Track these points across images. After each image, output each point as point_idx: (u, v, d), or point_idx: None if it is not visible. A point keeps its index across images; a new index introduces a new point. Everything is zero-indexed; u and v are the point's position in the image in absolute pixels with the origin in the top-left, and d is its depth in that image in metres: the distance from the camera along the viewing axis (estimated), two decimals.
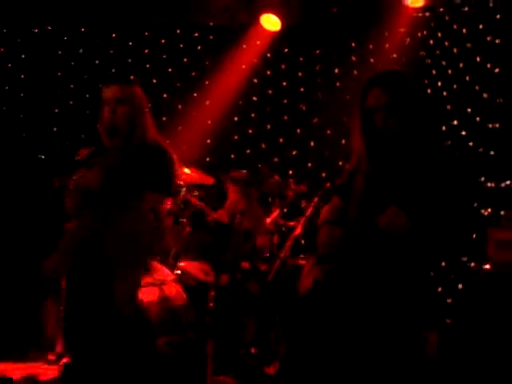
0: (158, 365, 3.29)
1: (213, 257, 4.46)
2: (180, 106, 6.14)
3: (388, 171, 2.52)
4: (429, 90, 5.06)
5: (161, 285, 4.04)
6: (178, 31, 6.17)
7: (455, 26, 5.03)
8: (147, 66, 6.13)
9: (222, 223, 4.44)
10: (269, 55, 6.08)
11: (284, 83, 6.07)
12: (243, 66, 6.07)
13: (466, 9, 4.91)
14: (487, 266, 3.43)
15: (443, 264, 4.60)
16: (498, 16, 4.54)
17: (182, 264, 4.48)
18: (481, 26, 4.72)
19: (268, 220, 4.59)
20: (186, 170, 4.49)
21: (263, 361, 4.25)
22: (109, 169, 2.81)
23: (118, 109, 2.86)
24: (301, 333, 2.65)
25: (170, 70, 6.17)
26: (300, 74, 6.03)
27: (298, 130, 5.94)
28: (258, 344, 4.36)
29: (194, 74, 6.21)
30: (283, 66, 6.07)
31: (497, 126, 4.43)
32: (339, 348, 2.46)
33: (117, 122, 2.86)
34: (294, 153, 5.90)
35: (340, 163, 5.24)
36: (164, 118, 5.80)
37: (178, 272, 4.40)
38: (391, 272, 2.42)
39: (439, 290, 4.65)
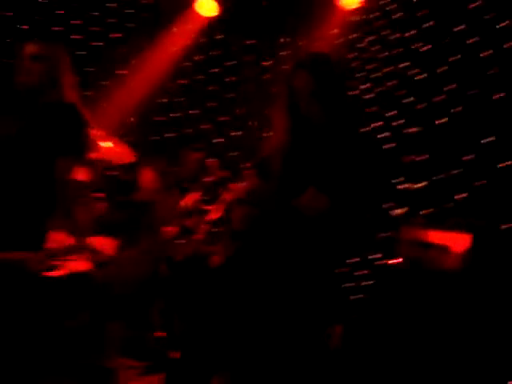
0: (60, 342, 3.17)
1: (124, 234, 4.35)
2: (105, 83, 5.97)
3: (308, 153, 2.53)
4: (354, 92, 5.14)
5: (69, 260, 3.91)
6: (109, 5, 6.00)
7: (386, 32, 5.14)
8: (76, 37, 5.92)
9: (137, 201, 4.35)
10: (201, 40, 6.02)
11: (214, 70, 6.03)
12: (175, 48, 5.98)
13: (398, 15, 5.03)
14: (397, 262, 3.51)
15: (356, 260, 4.69)
16: (427, 24, 4.66)
17: (92, 240, 4.34)
18: (410, 33, 4.83)
19: (186, 202, 4.53)
20: (108, 144, 4.35)
21: (168, 345, 4.19)
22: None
23: (34, 66, 2.75)
24: (207, 307, 2.63)
25: (97, 44, 5.99)
26: (231, 62, 6.01)
27: (224, 118, 5.92)
28: (162, 328, 4.29)
29: (122, 51, 6.06)
30: (214, 53, 6.02)
31: (415, 130, 4.55)
32: (241, 321, 2.46)
33: (31, 80, 2.74)
34: (219, 140, 5.87)
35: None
36: (88, 93, 5.62)
37: (89, 248, 4.27)
38: (304, 255, 2.44)
39: (350, 285, 4.72)
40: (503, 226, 3.46)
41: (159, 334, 4.27)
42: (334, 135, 2.50)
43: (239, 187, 2.88)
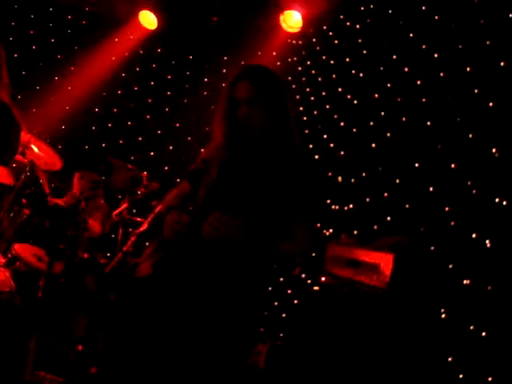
0: None
1: (49, 243, 4.21)
2: (38, 87, 5.83)
3: (244, 164, 2.52)
4: (290, 114, 5.21)
5: None
6: (51, 9, 5.89)
7: (324, 57, 5.25)
8: (10, 39, 5.78)
9: (63, 208, 4.22)
10: (141, 52, 5.98)
11: (152, 83, 5.99)
12: (113, 58, 5.92)
13: (336, 42, 5.16)
14: (323, 279, 3.54)
15: (281, 279, 4.72)
16: (365, 52, 4.80)
17: (15, 247, 4.19)
18: (347, 60, 4.96)
19: (114, 213, 4.44)
20: (35, 148, 4.23)
21: (89, 360, 4.06)
22: None
23: None
24: (131, 316, 2.55)
25: (33, 47, 5.86)
26: (169, 76, 5.99)
27: (159, 132, 5.87)
28: (85, 342, 4.16)
29: (59, 56, 5.95)
30: (154, 66, 5.99)
31: (342, 153, 4.65)
32: (166, 335, 2.40)
33: None
34: (151, 153, 5.81)
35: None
36: (19, 96, 5.47)
37: (9, 255, 4.11)
38: (225, 275, 2.41)
39: (275, 304, 4.74)
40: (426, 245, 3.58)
41: (81, 348, 4.13)
42: (272, 148, 2.48)
43: (170, 194, 2.82)
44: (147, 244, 3.82)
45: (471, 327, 3.35)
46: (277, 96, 2.47)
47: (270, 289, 4.49)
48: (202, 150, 2.69)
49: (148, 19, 5.80)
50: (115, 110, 5.97)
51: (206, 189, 2.55)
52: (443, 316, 3.45)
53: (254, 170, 2.48)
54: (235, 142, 2.53)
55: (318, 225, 4.57)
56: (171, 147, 5.79)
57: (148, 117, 5.94)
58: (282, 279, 4.72)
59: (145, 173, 4.60)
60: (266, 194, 2.34)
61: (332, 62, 5.17)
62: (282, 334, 4.42)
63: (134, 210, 4.87)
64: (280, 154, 2.45)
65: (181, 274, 2.45)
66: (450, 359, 3.38)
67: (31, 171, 4.16)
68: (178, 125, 5.86)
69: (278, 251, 2.40)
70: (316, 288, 3.69)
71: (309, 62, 5.39)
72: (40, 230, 4.28)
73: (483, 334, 3.29)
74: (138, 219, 4.45)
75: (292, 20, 5.41)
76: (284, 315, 4.67)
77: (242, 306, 2.41)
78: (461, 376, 3.33)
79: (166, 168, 5.67)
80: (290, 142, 2.49)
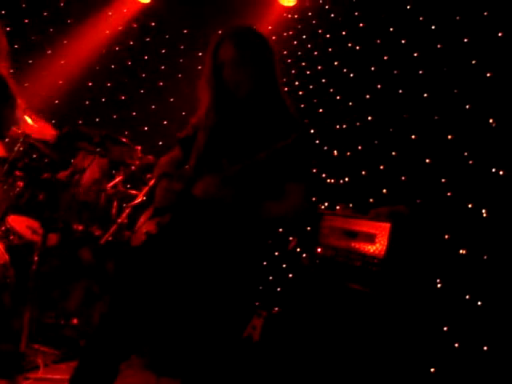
0: None
1: (43, 215, 4.18)
2: (31, 61, 5.77)
3: (232, 126, 2.48)
4: (286, 88, 5.17)
5: None
6: None
7: (320, 31, 5.21)
8: (2, 12, 5.71)
9: (58, 180, 4.19)
10: (134, 25, 5.93)
11: (145, 57, 5.94)
12: (106, 32, 5.87)
13: (333, 15, 5.12)
14: (319, 250, 3.54)
15: (276, 253, 4.73)
16: (361, 24, 4.76)
17: (8, 219, 4.16)
18: (343, 33, 4.92)
19: (109, 185, 4.42)
20: (28, 119, 4.19)
21: (83, 333, 4.05)
22: None
23: None
24: (126, 285, 2.53)
25: (26, 20, 5.79)
26: (163, 50, 5.94)
27: (153, 106, 5.83)
28: (80, 315, 4.15)
29: (52, 29, 5.88)
30: (147, 39, 5.94)
31: (344, 127, 4.63)
32: (161, 304, 2.38)
33: None
34: (145, 128, 5.77)
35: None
36: (11, 70, 5.40)
37: (3, 228, 4.08)
38: (217, 241, 2.38)
39: (270, 278, 4.75)
40: (423, 215, 3.58)
41: (76, 321, 4.12)
42: (259, 110, 2.43)
43: (162, 161, 2.79)
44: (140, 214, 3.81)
45: (467, 296, 3.37)
46: (262, 56, 2.41)
47: (264, 263, 4.50)
48: (193, 117, 2.67)
49: None
50: (109, 84, 5.92)
51: (196, 154, 2.53)
52: (439, 285, 3.46)
53: (242, 132, 2.45)
54: (222, 105, 2.49)
55: (314, 198, 4.57)
56: (165, 122, 5.76)
57: (142, 91, 5.90)
58: (277, 253, 4.73)
59: (139, 146, 4.58)
60: (255, 154, 2.28)
61: (328, 35, 5.13)
62: (277, 308, 4.43)
63: (129, 185, 4.85)
64: (268, 115, 2.41)
65: (174, 241, 2.43)
66: (445, 328, 3.39)
67: (24, 143, 4.12)
68: (172, 99, 5.82)
69: (268, 211, 2.37)
70: (311, 261, 3.68)
71: (304, 36, 5.35)
72: (34, 202, 4.26)
73: (479, 303, 3.31)
74: (133, 192, 4.42)
75: None
76: (279, 289, 4.68)
77: (235, 274, 2.39)
78: (456, 345, 3.35)
79: (161, 143, 5.64)
80: (278, 103, 2.45)
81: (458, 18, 4.03)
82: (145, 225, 2.60)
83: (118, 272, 4.02)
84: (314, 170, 4.58)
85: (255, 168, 2.29)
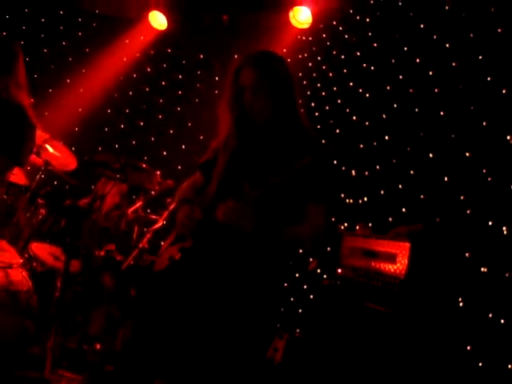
0: None
1: (65, 242, 4.23)
2: (51, 90, 5.88)
3: (252, 151, 2.51)
4: (302, 110, 5.20)
5: (7, 268, 3.77)
6: (61, 12, 5.95)
7: (334, 52, 5.25)
8: (22, 42, 5.82)
9: (79, 207, 4.24)
10: (152, 52, 6.02)
11: (163, 83, 6.02)
12: (124, 59, 5.97)
13: (346, 36, 5.16)
14: (339, 271, 3.53)
15: (296, 275, 4.72)
16: (375, 44, 4.79)
17: (31, 247, 4.22)
18: (358, 53, 4.96)
19: (129, 210, 4.47)
20: (49, 148, 4.26)
21: (106, 358, 4.07)
22: None
23: None
24: (150, 310, 2.55)
25: (45, 50, 5.92)
26: (180, 76, 6.02)
27: (171, 131, 5.89)
28: (103, 340, 4.17)
29: (70, 59, 6.00)
30: (164, 66, 6.02)
31: (361, 147, 4.64)
32: (184, 328, 2.39)
33: None
34: (164, 153, 5.83)
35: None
36: (31, 100, 5.51)
37: (26, 256, 4.14)
38: (239, 265, 2.40)
39: (291, 300, 4.74)
40: (442, 232, 3.57)
41: (99, 346, 4.14)
42: (279, 134, 2.48)
43: (183, 187, 2.82)
44: (163, 242, 3.84)
45: (490, 315, 3.33)
46: (282, 82, 2.45)
47: (285, 285, 4.50)
48: (213, 141, 2.70)
49: (158, 20, 5.85)
50: (127, 110, 6.01)
51: (217, 178, 2.55)
52: (461, 304, 3.43)
53: (262, 156, 2.48)
54: (243, 129, 2.53)
55: (333, 219, 4.58)
56: (184, 146, 5.82)
57: (160, 117, 5.97)
58: (297, 275, 4.73)
59: (158, 171, 4.63)
60: (276, 180, 2.31)
61: (342, 56, 5.16)
62: (298, 330, 4.41)
63: (149, 210, 4.90)
64: (288, 139, 2.45)
65: (197, 265, 2.45)
66: (468, 348, 3.36)
67: (46, 171, 4.19)
68: (190, 124, 5.88)
69: (290, 235, 2.39)
70: (332, 281, 3.68)
71: (319, 58, 5.39)
72: (56, 229, 4.32)
73: (502, 321, 3.27)
74: (153, 216, 4.47)
75: (301, 16, 5.42)
76: (300, 311, 4.67)
77: (256, 298, 2.41)
78: (480, 364, 3.31)
79: (180, 167, 5.69)
80: (297, 126, 2.48)
81: (471, 35, 4.04)
82: (167, 250, 2.63)
83: (141, 297, 4.04)
84: (335, 190, 4.60)
85: (275, 191, 2.32)
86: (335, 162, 4.70)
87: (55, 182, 4.67)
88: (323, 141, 4.90)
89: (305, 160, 2.25)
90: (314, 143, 2.48)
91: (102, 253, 4.26)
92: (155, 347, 2.38)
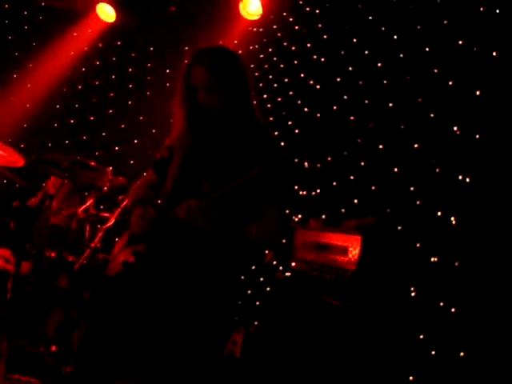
0: None
1: (15, 243, 4.13)
2: None
3: (207, 148, 2.49)
4: (254, 102, 5.18)
5: None
6: (6, 6, 5.78)
7: (285, 43, 5.24)
8: None
9: (28, 208, 4.15)
10: (100, 45, 5.91)
11: (113, 76, 5.92)
12: (72, 53, 5.84)
13: (297, 27, 5.15)
14: (293, 264, 3.55)
15: (253, 267, 4.73)
16: (325, 36, 4.80)
17: None
18: (308, 45, 4.95)
19: (80, 209, 4.38)
20: None
21: (63, 360, 4.01)
22: None
23: None
24: (102, 315, 2.52)
25: None
26: (130, 69, 5.92)
27: (123, 126, 5.81)
28: (59, 342, 4.11)
29: (16, 54, 5.84)
30: (114, 59, 5.92)
31: (312, 138, 4.65)
32: (141, 329, 2.38)
33: None
34: (116, 148, 5.74)
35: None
36: None
37: None
38: (198, 262, 2.39)
39: (248, 292, 4.75)
40: (392, 224, 3.62)
41: (55, 347, 4.08)
42: (235, 132, 2.45)
43: (136, 186, 2.78)
44: (116, 240, 3.79)
45: (441, 303, 3.40)
46: (235, 78, 2.42)
47: (242, 277, 4.50)
48: (166, 139, 2.67)
49: (106, 12, 5.72)
50: (77, 105, 5.89)
51: (172, 177, 2.53)
52: (413, 294, 3.49)
53: (217, 153, 2.46)
54: (197, 126, 2.50)
55: (287, 211, 4.59)
56: (136, 141, 5.74)
57: (111, 111, 5.87)
58: (253, 267, 4.73)
59: (110, 168, 4.55)
60: (231, 177, 2.30)
61: (293, 47, 5.16)
62: (256, 323, 4.43)
63: (102, 206, 4.82)
64: (243, 135, 2.43)
65: (152, 267, 2.43)
66: (421, 336, 3.42)
67: None
68: (142, 118, 5.81)
69: (247, 234, 2.39)
70: (286, 274, 3.69)
71: (270, 49, 5.37)
72: (5, 230, 4.22)
73: (453, 309, 3.34)
74: (105, 214, 4.39)
75: (251, 7, 5.38)
76: (257, 303, 4.68)
77: (214, 293, 2.40)
78: (433, 352, 3.38)
79: (132, 162, 5.62)
80: (253, 125, 2.46)
81: (418, 27, 4.08)
82: (120, 253, 2.59)
83: (96, 302, 3.99)
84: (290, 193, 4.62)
85: (236, 192, 2.30)
86: (287, 153, 4.70)
87: (4, 181, 4.55)
88: (276, 132, 4.94)
89: (263, 162, 2.25)
90: (272, 144, 2.47)
91: (53, 253, 4.18)
92: (113, 350, 2.36)
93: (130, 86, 5.90)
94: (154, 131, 5.60)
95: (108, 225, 4.08)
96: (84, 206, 4.40)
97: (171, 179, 2.52)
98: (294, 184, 4.57)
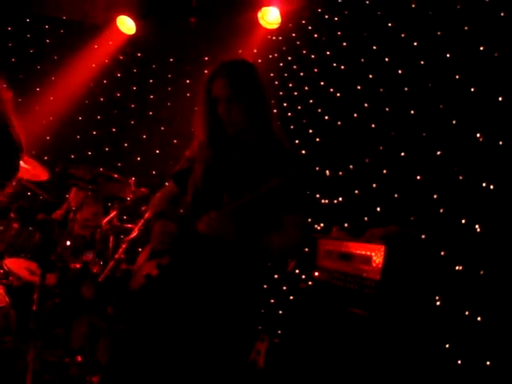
0: None
1: (40, 255, 4.19)
2: (20, 99, 5.79)
3: (228, 161, 2.51)
4: (275, 110, 5.18)
5: None
6: (28, 20, 5.87)
7: (304, 52, 5.25)
8: None
9: (53, 220, 4.20)
10: (121, 57, 5.97)
11: (134, 87, 5.98)
12: (93, 65, 5.91)
13: (316, 35, 5.15)
14: (316, 274, 3.54)
15: (275, 276, 4.73)
16: (345, 44, 4.79)
17: (6, 262, 4.17)
18: (328, 53, 4.95)
19: (104, 221, 4.43)
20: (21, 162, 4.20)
21: (88, 370, 4.04)
22: None
23: None
24: (127, 329, 2.54)
25: (13, 59, 5.83)
26: (151, 80, 5.98)
27: (144, 136, 5.85)
28: (84, 352, 4.14)
29: (39, 67, 5.93)
30: (135, 70, 5.98)
31: (334, 146, 4.64)
32: (166, 345, 2.39)
33: None
34: (138, 158, 5.79)
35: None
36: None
37: (1, 271, 4.09)
38: (221, 274, 2.40)
39: (271, 301, 4.75)
40: (416, 233, 3.59)
41: (80, 358, 4.11)
42: (254, 144, 2.48)
43: (156, 198, 2.80)
44: (140, 251, 3.82)
45: (466, 312, 3.36)
46: (255, 90, 2.43)
47: (265, 286, 4.51)
48: (186, 150, 2.69)
49: (126, 24, 5.80)
50: (99, 117, 5.95)
51: (192, 189, 2.54)
52: (438, 303, 3.45)
53: (238, 166, 2.48)
54: (218, 139, 2.52)
55: (309, 219, 4.58)
56: (158, 151, 5.78)
57: (132, 122, 5.93)
58: (276, 276, 4.73)
59: (132, 179, 4.59)
60: (251, 189, 2.31)
61: (313, 56, 5.16)
62: (280, 332, 4.43)
63: (125, 217, 4.86)
64: (263, 148, 2.44)
65: (176, 280, 2.44)
66: (447, 346, 3.39)
67: (17, 185, 4.14)
68: (163, 128, 5.85)
69: (268, 244, 2.39)
70: (309, 283, 3.69)
71: (290, 58, 5.38)
72: (30, 243, 4.27)
73: (478, 318, 3.30)
74: (129, 226, 4.43)
75: (270, 16, 5.42)
76: (281, 312, 4.68)
77: (237, 304, 2.41)
78: (459, 362, 3.34)
79: (154, 173, 5.66)
80: (271, 136, 2.47)
81: (439, 33, 4.05)
82: (143, 267, 2.61)
83: (119, 316, 4.02)
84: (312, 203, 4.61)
85: (255, 203, 2.31)
86: (309, 161, 4.71)
87: (27, 196, 4.61)
88: (297, 141, 4.95)
89: (284, 175, 2.26)
90: (291, 156, 2.47)
91: (78, 265, 4.22)
92: (139, 363, 2.38)
93: (151, 96, 5.95)
94: (175, 141, 5.64)
95: (131, 236, 4.12)
96: (108, 218, 4.44)
97: (192, 191, 2.54)
98: (314, 193, 4.57)
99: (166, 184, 2.82)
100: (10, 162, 2.67)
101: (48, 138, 5.76)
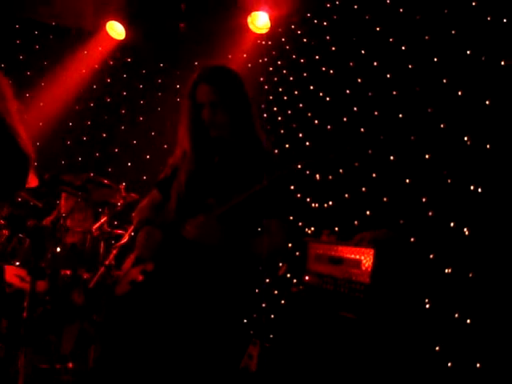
0: None
1: (31, 262, 4.17)
2: None
3: (212, 167, 2.52)
4: (265, 115, 5.21)
5: None
6: (17, 26, 5.85)
7: (294, 56, 5.26)
8: None
9: (43, 227, 4.18)
10: (111, 63, 5.97)
11: (124, 93, 5.97)
12: (83, 71, 5.91)
13: (305, 40, 5.17)
14: (307, 278, 3.55)
15: (267, 280, 4.73)
16: (334, 48, 4.81)
17: None
18: (317, 57, 4.97)
19: (94, 227, 4.42)
20: None
21: (79, 376, 4.03)
22: None
23: None
24: (114, 335, 2.53)
25: (2, 65, 5.80)
26: (141, 85, 5.97)
27: (135, 141, 5.85)
28: (75, 358, 4.13)
29: (29, 73, 5.91)
30: (124, 76, 5.98)
31: (323, 150, 4.66)
32: (154, 352, 2.38)
33: None
34: (129, 164, 5.79)
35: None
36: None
37: None
38: (209, 278, 2.40)
39: (263, 305, 4.75)
40: (406, 237, 3.61)
41: (71, 364, 4.10)
42: (238, 149, 2.49)
43: (141, 206, 2.81)
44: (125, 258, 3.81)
45: (456, 315, 3.38)
46: (238, 96, 2.48)
47: (256, 291, 4.51)
48: (170, 158, 2.70)
49: (115, 29, 5.79)
50: (89, 122, 5.95)
51: (176, 195, 2.55)
52: (427, 306, 3.47)
53: (222, 170, 2.49)
54: (201, 145, 2.54)
55: (300, 223, 4.60)
56: (148, 156, 5.78)
57: (123, 127, 5.92)
58: (267, 280, 4.74)
59: (122, 185, 4.59)
60: (235, 193, 2.33)
61: (302, 60, 5.18)
62: (271, 336, 4.43)
63: (116, 223, 4.86)
64: (245, 151, 2.48)
65: (162, 286, 2.44)
66: (437, 348, 3.40)
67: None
68: (153, 133, 5.85)
69: (256, 247, 2.40)
70: (300, 287, 3.69)
71: (279, 62, 5.40)
72: (20, 249, 4.25)
73: (468, 320, 3.32)
74: (119, 231, 4.43)
75: (259, 21, 5.43)
76: (272, 316, 4.68)
77: (228, 308, 2.42)
78: (449, 364, 3.35)
79: (144, 178, 5.65)
80: (254, 140, 2.51)
81: (426, 37, 4.08)
82: (128, 273, 2.60)
83: (107, 323, 4.01)
84: (298, 196, 4.63)
85: (240, 207, 2.33)
86: (299, 166, 4.71)
87: (19, 199, 4.59)
88: (287, 145, 4.96)
89: (267, 179, 2.27)
90: (269, 157, 2.51)
91: (69, 272, 4.21)
92: (126, 368, 2.38)
93: (141, 102, 5.96)
94: (165, 146, 5.63)
95: (122, 242, 4.12)
96: (98, 224, 4.43)
97: (176, 197, 2.55)
98: (304, 198, 4.58)
99: (151, 192, 2.83)
100: (19, 171, 2.63)
101: (38, 143, 5.73)
